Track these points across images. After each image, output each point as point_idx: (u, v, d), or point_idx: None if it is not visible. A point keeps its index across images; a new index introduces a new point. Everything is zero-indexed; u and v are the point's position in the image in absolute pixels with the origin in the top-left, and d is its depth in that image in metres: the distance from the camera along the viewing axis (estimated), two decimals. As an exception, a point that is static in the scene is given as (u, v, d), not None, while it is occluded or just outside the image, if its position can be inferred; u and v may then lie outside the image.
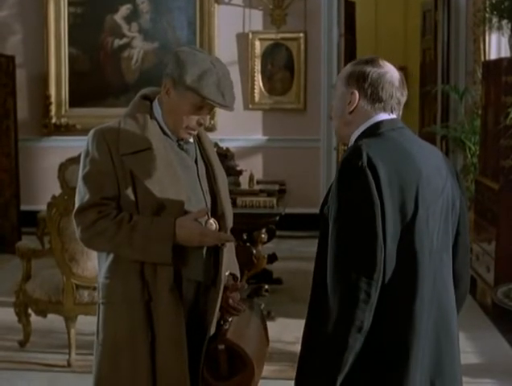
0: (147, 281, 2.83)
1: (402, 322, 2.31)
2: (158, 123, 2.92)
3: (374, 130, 2.46)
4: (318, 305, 2.34)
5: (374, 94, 2.50)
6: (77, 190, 2.88)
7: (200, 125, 2.89)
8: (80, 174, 2.86)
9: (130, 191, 2.81)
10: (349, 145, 2.51)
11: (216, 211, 2.97)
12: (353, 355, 2.25)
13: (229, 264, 3.03)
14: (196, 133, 2.95)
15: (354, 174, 2.29)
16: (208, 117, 2.93)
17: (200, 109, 2.86)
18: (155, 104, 2.94)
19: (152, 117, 2.91)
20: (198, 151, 3.01)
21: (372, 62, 2.53)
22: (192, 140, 3.01)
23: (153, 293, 2.83)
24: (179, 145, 2.94)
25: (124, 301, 2.84)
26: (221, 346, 2.83)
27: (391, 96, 2.53)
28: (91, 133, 2.86)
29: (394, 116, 2.54)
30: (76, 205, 2.87)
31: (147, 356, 2.83)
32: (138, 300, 2.83)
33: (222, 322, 2.94)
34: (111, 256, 2.88)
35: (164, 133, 2.92)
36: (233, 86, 2.92)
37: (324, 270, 2.31)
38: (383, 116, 2.51)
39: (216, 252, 2.95)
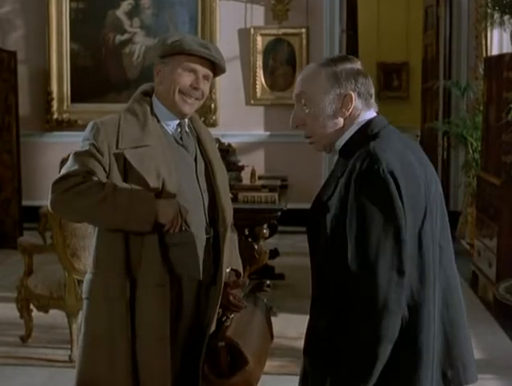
0: (134, 277, 2.82)
1: (415, 320, 2.27)
2: (158, 118, 2.91)
3: (368, 130, 2.38)
4: (337, 313, 2.26)
5: (366, 92, 2.41)
6: (65, 165, 2.86)
7: (194, 88, 2.87)
8: (76, 150, 2.85)
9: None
10: (335, 151, 2.43)
11: (215, 208, 2.96)
12: (382, 366, 2.21)
13: (231, 259, 3.03)
14: (194, 102, 2.91)
15: (378, 183, 2.22)
16: (206, 84, 2.91)
17: (191, 72, 2.86)
18: (154, 98, 2.94)
19: (152, 112, 2.91)
20: (197, 148, 3.00)
21: (348, 59, 2.44)
22: (190, 135, 3.00)
23: (138, 289, 2.82)
24: (178, 142, 2.93)
25: (103, 299, 2.84)
26: (221, 344, 2.82)
27: (373, 91, 2.45)
28: (90, 124, 2.86)
29: (375, 111, 2.45)
30: (60, 174, 2.85)
31: (127, 354, 2.82)
32: (118, 297, 2.81)
33: (223, 319, 2.94)
34: (96, 249, 2.87)
35: (163, 129, 2.91)
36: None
37: (338, 275, 2.25)
38: (371, 113, 2.43)
39: (216, 249, 2.95)
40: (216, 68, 2.94)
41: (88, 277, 2.91)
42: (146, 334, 2.82)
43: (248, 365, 2.81)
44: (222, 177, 3.05)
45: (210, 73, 2.92)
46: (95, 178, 2.77)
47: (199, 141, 3.02)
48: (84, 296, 2.92)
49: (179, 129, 2.95)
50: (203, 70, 2.88)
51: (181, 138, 2.95)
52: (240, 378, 2.83)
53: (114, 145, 2.80)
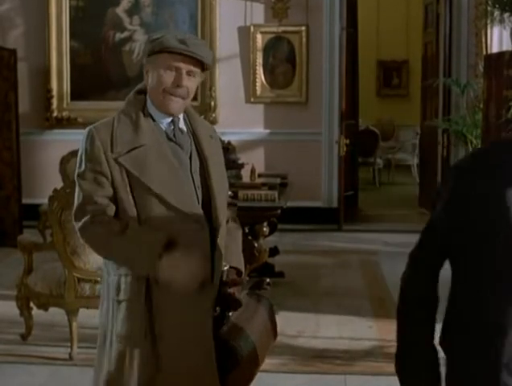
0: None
1: None
2: (151, 116, 2.91)
3: None
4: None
5: None
6: (76, 189, 2.88)
7: (177, 86, 2.84)
8: (76, 172, 2.87)
9: (126, 191, 2.81)
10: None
11: (209, 206, 2.94)
12: None
13: (231, 257, 3.02)
14: (180, 101, 2.88)
15: None
16: (191, 80, 2.88)
17: (173, 70, 2.84)
18: (148, 96, 2.93)
19: (145, 110, 2.90)
20: (193, 145, 2.99)
21: None
22: (185, 129, 2.97)
23: (161, 291, 2.83)
24: (171, 139, 2.91)
25: (135, 300, 2.83)
26: (215, 342, 2.83)
27: None
28: (85, 131, 2.86)
29: None
30: (75, 204, 2.87)
31: (152, 354, 2.82)
32: (141, 299, 2.81)
33: (221, 318, 2.94)
34: None
35: (157, 127, 2.90)
36: (205, 44, 2.95)
37: None
38: None
39: (213, 246, 2.94)
40: (203, 63, 2.92)
41: (114, 278, 2.89)
42: (174, 334, 2.83)
43: (244, 363, 2.81)
44: (218, 174, 3.01)
45: (194, 69, 2.88)
46: (104, 208, 2.80)
47: (195, 139, 3.01)
48: (116, 297, 2.88)
49: (172, 127, 2.93)
50: (186, 66, 2.85)
51: (174, 135, 2.93)
52: (233, 377, 2.83)
53: (109, 149, 2.80)
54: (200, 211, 2.88)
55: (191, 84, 2.88)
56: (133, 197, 2.81)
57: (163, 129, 2.92)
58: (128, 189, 2.81)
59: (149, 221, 2.81)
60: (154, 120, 2.90)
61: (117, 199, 2.82)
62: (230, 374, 2.83)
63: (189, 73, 2.86)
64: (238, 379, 2.85)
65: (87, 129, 2.87)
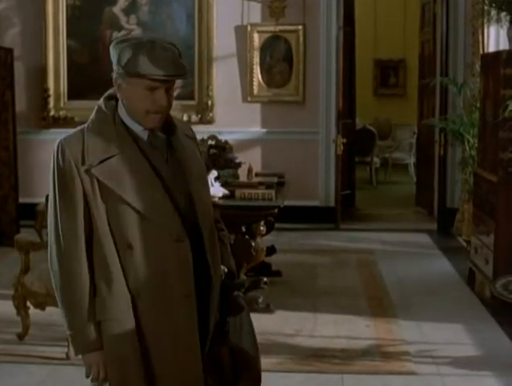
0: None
1: None
2: (124, 122, 2.78)
3: None
4: None
5: None
6: (49, 203, 2.78)
7: (160, 106, 2.71)
8: (50, 191, 2.77)
9: (98, 203, 2.71)
10: None
11: (193, 208, 2.82)
12: None
13: (223, 260, 2.94)
14: (162, 116, 2.75)
15: None
16: (171, 94, 2.74)
17: (154, 90, 2.69)
18: (119, 102, 2.80)
19: (116, 117, 2.78)
20: (169, 146, 2.85)
21: None
22: (160, 136, 2.83)
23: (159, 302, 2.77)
24: (146, 143, 2.78)
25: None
26: (224, 349, 2.78)
27: None
28: (55, 146, 2.76)
29: None
30: (49, 222, 2.78)
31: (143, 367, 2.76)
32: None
33: (222, 324, 2.86)
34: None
35: (131, 133, 2.77)
36: (178, 55, 2.72)
37: None
38: None
39: (203, 254, 2.84)
40: None
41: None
42: (174, 344, 2.75)
43: (257, 367, 2.78)
44: (197, 173, 2.89)
45: (173, 84, 2.75)
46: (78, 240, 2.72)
47: (171, 139, 2.86)
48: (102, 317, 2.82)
49: (146, 130, 2.79)
50: (166, 85, 2.71)
51: (149, 139, 2.80)
52: (247, 382, 2.80)
53: (81, 161, 2.70)
54: (177, 220, 2.77)
55: (171, 98, 2.76)
56: (106, 209, 2.71)
57: (138, 134, 2.79)
58: (99, 201, 2.71)
59: (124, 235, 2.72)
60: (126, 125, 2.78)
61: (90, 211, 2.72)
62: (245, 376, 2.79)
63: (168, 89, 2.73)
64: (253, 378, 2.82)
65: (56, 143, 2.76)
